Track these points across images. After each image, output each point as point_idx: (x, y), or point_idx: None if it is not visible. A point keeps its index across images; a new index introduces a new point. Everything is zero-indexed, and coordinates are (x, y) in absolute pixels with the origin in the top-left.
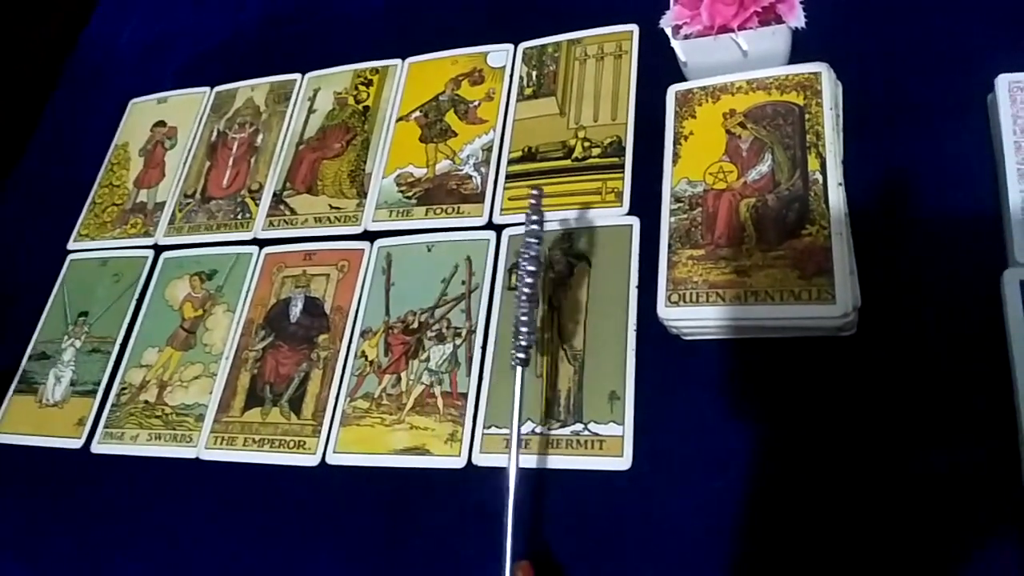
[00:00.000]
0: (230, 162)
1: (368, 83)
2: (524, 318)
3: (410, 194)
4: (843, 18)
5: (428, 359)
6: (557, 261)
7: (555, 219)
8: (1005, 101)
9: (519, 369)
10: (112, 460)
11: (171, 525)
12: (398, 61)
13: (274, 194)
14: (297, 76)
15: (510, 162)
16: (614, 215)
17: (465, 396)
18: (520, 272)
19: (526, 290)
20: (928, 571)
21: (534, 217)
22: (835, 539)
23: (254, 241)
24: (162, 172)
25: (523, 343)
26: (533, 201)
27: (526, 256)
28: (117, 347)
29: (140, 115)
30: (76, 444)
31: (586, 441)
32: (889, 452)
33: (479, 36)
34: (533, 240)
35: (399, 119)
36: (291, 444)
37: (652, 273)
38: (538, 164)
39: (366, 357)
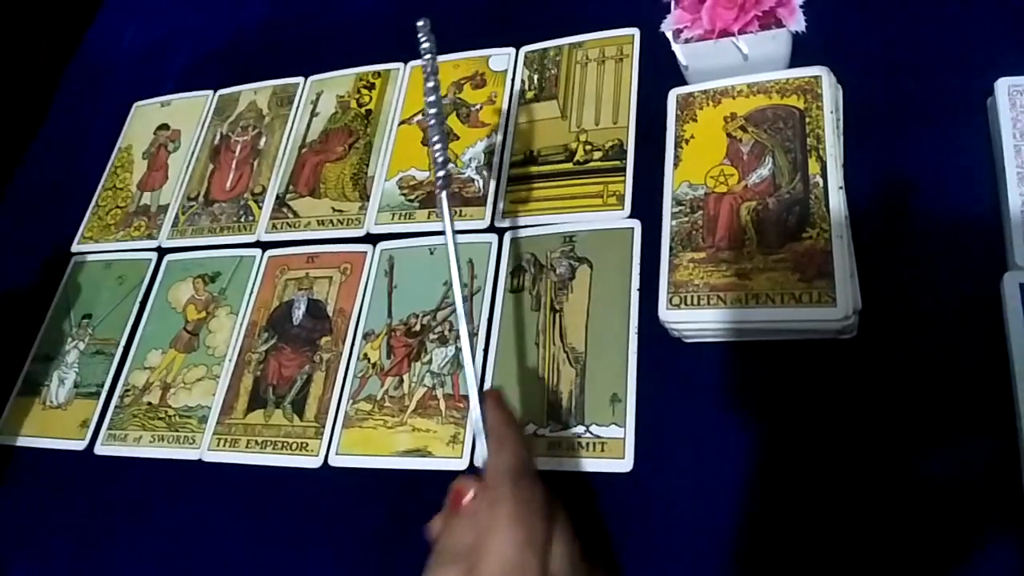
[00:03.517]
0: (233, 165)
1: (370, 86)
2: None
3: (412, 197)
4: (843, 22)
5: (430, 361)
6: (559, 264)
7: (557, 222)
8: (1005, 105)
9: (443, 195)
10: (115, 462)
11: (174, 526)
12: (400, 65)
13: (277, 197)
14: (300, 79)
15: (512, 165)
16: (615, 218)
17: (467, 398)
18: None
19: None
20: (928, 574)
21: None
22: (836, 542)
23: (257, 244)
24: (165, 175)
25: (440, 159)
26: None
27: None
28: (120, 349)
29: (143, 118)
30: (79, 446)
31: (588, 443)
32: (889, 455)
33: (481, 40)
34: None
35: (401, 122)
36: (294, 446)
37: (653, 276)
38: (540, 167)
39: (368, 359)
